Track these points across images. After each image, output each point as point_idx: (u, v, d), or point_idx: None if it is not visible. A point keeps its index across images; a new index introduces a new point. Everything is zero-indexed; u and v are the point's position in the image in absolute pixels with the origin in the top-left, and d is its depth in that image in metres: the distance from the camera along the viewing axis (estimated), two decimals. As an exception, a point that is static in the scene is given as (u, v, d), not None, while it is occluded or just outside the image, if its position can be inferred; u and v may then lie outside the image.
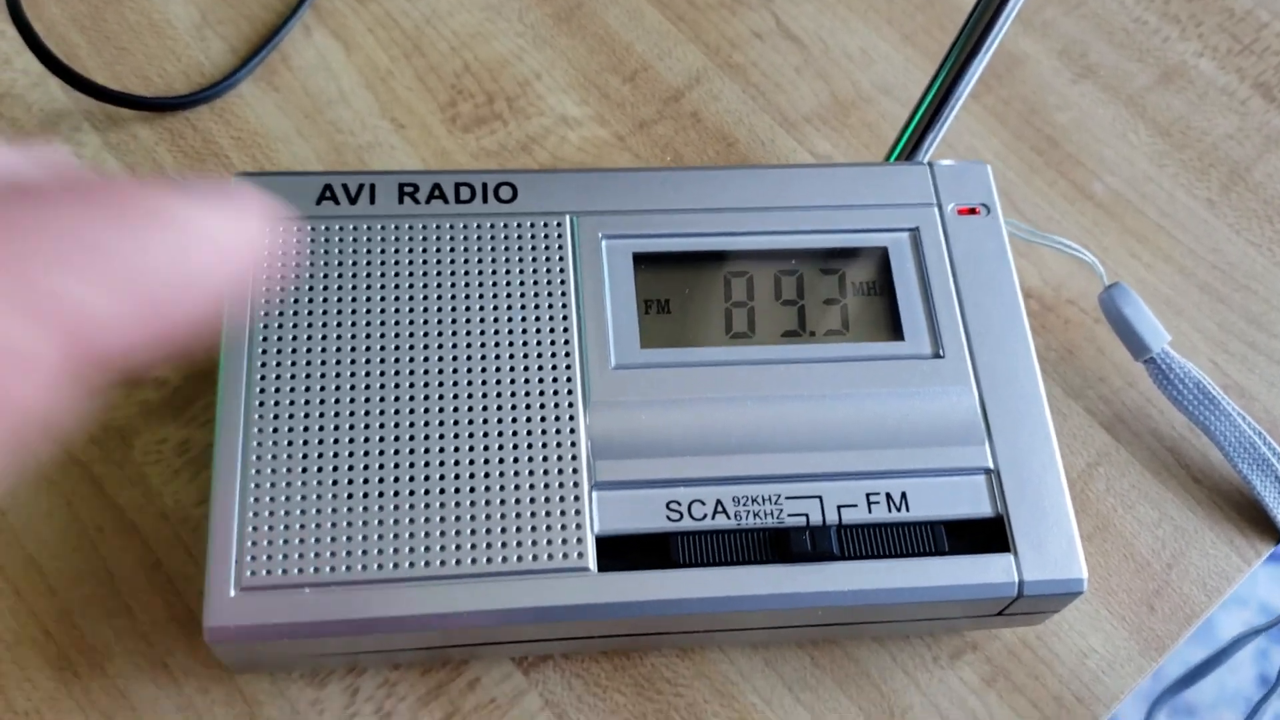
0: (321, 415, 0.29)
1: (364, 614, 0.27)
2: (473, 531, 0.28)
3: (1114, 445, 0.36)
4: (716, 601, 0.28)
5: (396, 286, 0.31)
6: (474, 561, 0.27)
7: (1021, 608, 0.30)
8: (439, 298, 0.31)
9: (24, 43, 0.36)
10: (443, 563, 0.27)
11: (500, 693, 0.31)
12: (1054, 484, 0.30)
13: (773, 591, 0.28)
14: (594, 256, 0.32)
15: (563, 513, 0.28)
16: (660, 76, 0.42)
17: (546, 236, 0.32)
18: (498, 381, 0.30)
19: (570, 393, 0.30)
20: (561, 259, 0.31)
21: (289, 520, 0.27)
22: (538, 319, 0.31)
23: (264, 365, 0.29)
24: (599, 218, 0.32)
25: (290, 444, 0.28)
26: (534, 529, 0.28)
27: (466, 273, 0.31)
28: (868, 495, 0.29)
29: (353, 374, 0.29)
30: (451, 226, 0.32)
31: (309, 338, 0.30)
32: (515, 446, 0.29)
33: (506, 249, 0.31)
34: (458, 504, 0.28)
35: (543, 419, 0.29)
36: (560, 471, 0.29)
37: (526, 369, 0.30)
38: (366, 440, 0.29)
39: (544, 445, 0.29)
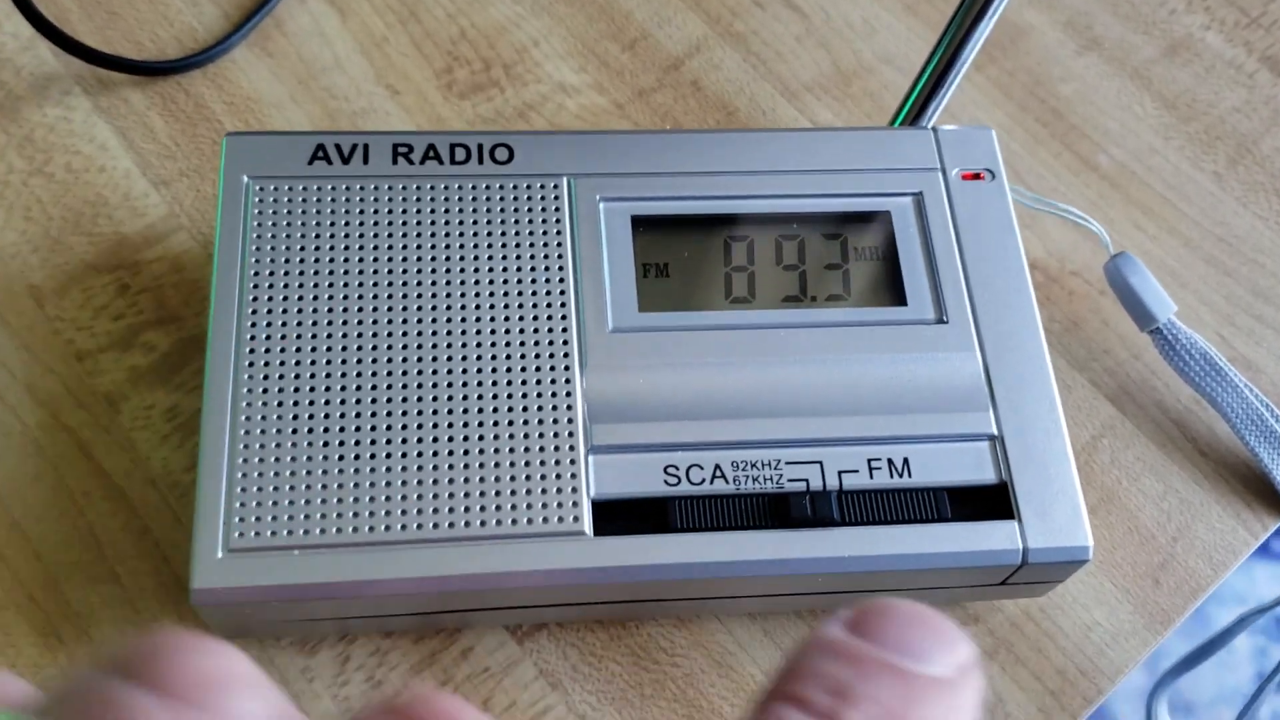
0: (313, 378, 0.28)
1: (354, 576, 0.26)
2: (466, 494, 0.27)
3: (1119, 418, 0.36)
4: (714, 567, 0.27)
5: (390, 248, 0.30)
6: (467, 525, 0.27)
7: (1025, 576, 0.29)
8: (433, 260, 0.30)
9: (13, 5, 0.36)
10: (435, 525, 0.27)
11: (494, 661, 0.30)
12: (1059, 450, 0.29)
13: (772, 557, 0.27)
14: (592, 219, 0.31)
15: (558, 476, 0.28)
16: (660, 44, 0.41)
17: (544, 199, 0.31)
18: (493, 344, 0.29)
19: (567, 356, 0.29)
20: (559, 221, 0.31)
21: (278, 482, 0.27)
22: (534, 282, 0.30)
23: (254, 326, 0.29)
24: (597, 180, 0.32)
25: (280, 405, 0.28)
26: (529, 492, 0.27)
27: (461, 235, 0.30)
28: (869, 461, 0.29)
29: (344, 336, 0.29)
30: (446, 188, 0.31)
31: (300, 299, 0.29)
32: (510, 409, 0.28)
33: (503, 211, 0.31)
34: (451, 466, 0.27)
35: (538, 382, 0.29)
36: (556, 435, 0.28)
37: (522, 332, 0.29)
38: (358, 402, 0.28)
39: (540, 408, 0.28)
